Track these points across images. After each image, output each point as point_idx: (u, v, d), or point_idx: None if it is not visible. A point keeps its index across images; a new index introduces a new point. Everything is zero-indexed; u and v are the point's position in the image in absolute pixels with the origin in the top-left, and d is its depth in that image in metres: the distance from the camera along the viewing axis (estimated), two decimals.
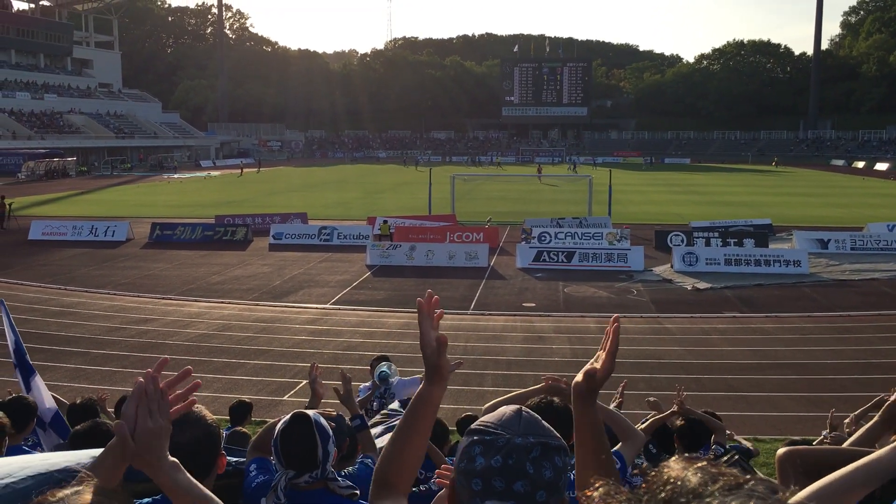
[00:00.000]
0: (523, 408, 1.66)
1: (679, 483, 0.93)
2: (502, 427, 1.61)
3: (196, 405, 2.90)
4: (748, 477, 0.95)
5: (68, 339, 16.84)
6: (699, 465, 0.95)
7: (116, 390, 11.20)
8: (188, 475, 1.95)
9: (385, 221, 31.37)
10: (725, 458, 4.55)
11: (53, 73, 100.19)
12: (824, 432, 5.91)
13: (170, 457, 1.92)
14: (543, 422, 1.65)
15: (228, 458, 3.46)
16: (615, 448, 3.84)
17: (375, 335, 17.38)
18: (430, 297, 2.13)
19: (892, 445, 2.29)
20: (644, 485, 0.97)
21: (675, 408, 6.01)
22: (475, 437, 1.62)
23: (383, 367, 7.98)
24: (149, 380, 1.91)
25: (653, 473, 0.98)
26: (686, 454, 1.04)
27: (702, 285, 23.11)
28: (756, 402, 12.93)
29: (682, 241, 28.76)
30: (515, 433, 1.59)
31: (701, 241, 28.46)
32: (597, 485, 1.01)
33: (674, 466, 0.98)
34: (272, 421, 3.58)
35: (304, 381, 13.92)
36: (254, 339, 17.02)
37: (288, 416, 3.14)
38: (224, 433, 7.11)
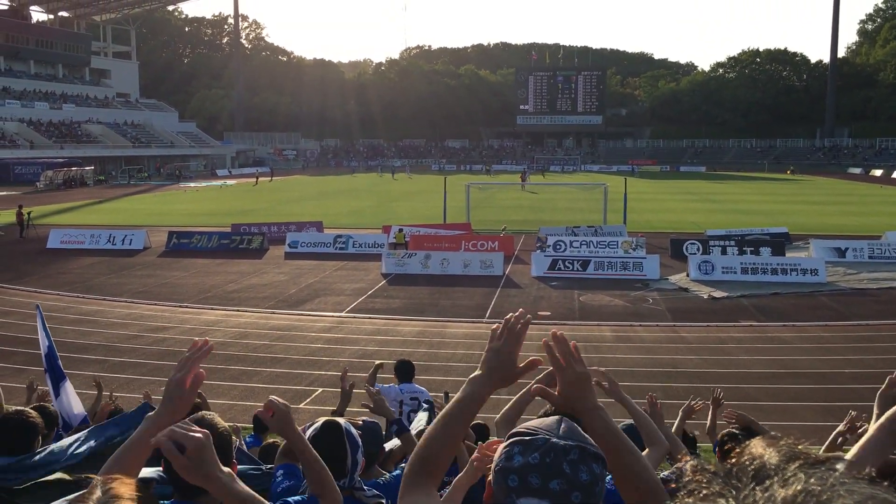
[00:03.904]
0: (564, 417, 1.70)
1: (764, 458, 0.99)
2: (542, 429, 1.65)
3: (209, 412, 2.95)
4: (828, 455, 1.00)
5: (86, 346, 16.97)
6: (779, 444, 1.01)
7: (133, 398, 11.29)
8: (243, 484, 2.06)
9: (400, 230, 31.43)
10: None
11: (72, 83, 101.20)
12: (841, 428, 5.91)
13: (223, 467, 2.02)
14: (583, 431, 1.69)
15: (240, 466, 3.48)
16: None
17: (391, 343, 17.41)
18: (524, 315, 2.17)
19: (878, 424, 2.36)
20: (731, 460, 1.03)
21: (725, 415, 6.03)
22: (515, 439, 1.66)
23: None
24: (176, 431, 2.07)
25: (737, 451, 1.05)
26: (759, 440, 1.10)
27: (718, 294, 22.99)
28: (773, 412, 12.84)
29: (698, 249, 28.65)
30: (555, 435, 1.63)
31: (717, 250, 28.33)
32: (686, 458, 1.07)
33: (756, 445, 1.04)
34: (301, 427, 3.60)
35: (321, 389, 13.99)
36: (270, 348, 17.09)
37: (319, 424, 3.14)
38: (246, 441, 7.15)
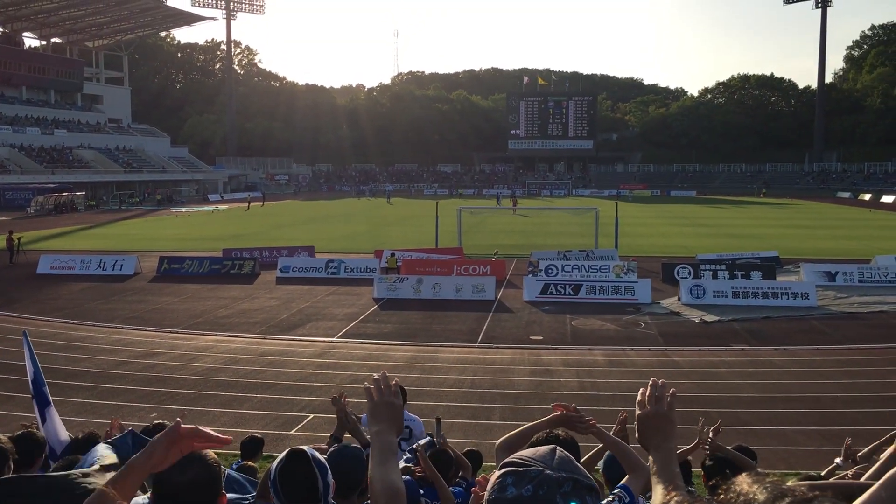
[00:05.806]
0: (557, 447, 1.69)
1: (750, 497, 0.97)
2: (536, 460, 1.64)
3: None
4: (816, 493, 0.97)
5: (76, 373, 16.85)
6: (765, 481, 0.99)
7: (124, 425, 11.16)
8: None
9: (392, 254, 31.42)
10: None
11: (64, 109, 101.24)
12: (837, 460, 5.81)
13: None
14: (577, 462, 1.67)
15: (229, 495, 3.45)
16: (622, 482, 3.80)
17: (383, 368, 17.30)
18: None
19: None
20: (719, 496, 1.01)
21: (699, 443, 5.97)
22: (508, 469, 1.65)
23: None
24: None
25: (724, 487, 1.03)
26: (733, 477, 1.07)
27: (710, 318, 23.03)
28: (766, 436, 12.82)
29: (690, 273, 28.72)
30: (548, 467, 1.62)
31: (708, 274, 28.41)
32: (672, 495, 1.05)
33: (742, 482, 1.02)
34: (268, 467, 3.58)
35: (312, 415, 13.89)
36: (261, 373, 17.00)
37: (283, 455, 3.14)
38: (233, 467, 7.10)
